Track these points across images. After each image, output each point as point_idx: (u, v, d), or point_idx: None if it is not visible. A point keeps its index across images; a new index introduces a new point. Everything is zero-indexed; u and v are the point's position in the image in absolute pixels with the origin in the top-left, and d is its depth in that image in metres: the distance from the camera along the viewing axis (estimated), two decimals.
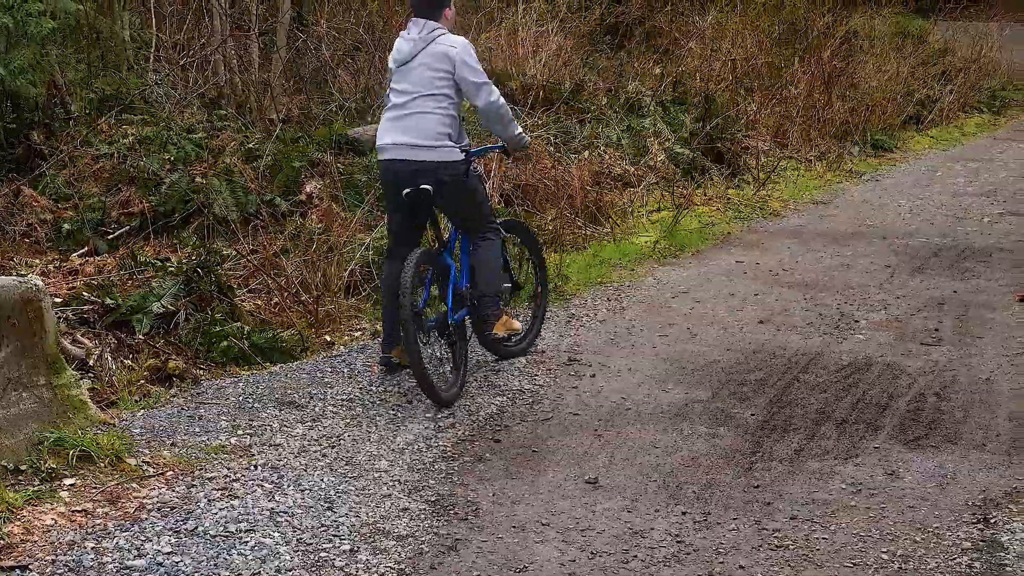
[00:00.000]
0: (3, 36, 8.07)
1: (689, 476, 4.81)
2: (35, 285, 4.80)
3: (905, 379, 6.00)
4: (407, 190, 5.56)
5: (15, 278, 4.84)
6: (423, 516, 4.41)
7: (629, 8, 15.09)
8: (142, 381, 5.67)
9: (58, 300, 6.21)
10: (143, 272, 6.89)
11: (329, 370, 6.04)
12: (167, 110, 9.29)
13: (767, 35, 14.75)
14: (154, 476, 4.64)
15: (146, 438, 5.01)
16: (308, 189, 8.30)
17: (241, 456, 4.89)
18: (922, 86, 16.36)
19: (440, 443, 5.14)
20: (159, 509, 4.35)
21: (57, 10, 8.56)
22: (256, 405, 5.50)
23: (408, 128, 5.61)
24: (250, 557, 4.02)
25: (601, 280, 8.00)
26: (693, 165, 11.10)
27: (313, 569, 3.97)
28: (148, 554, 4.00)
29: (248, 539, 4.15)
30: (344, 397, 5.66)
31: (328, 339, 6.59)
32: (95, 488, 4.48)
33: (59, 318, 5.67)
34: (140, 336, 6.06)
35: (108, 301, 6.23)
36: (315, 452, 4.98)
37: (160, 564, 3.93)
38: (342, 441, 5.11)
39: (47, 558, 3.92)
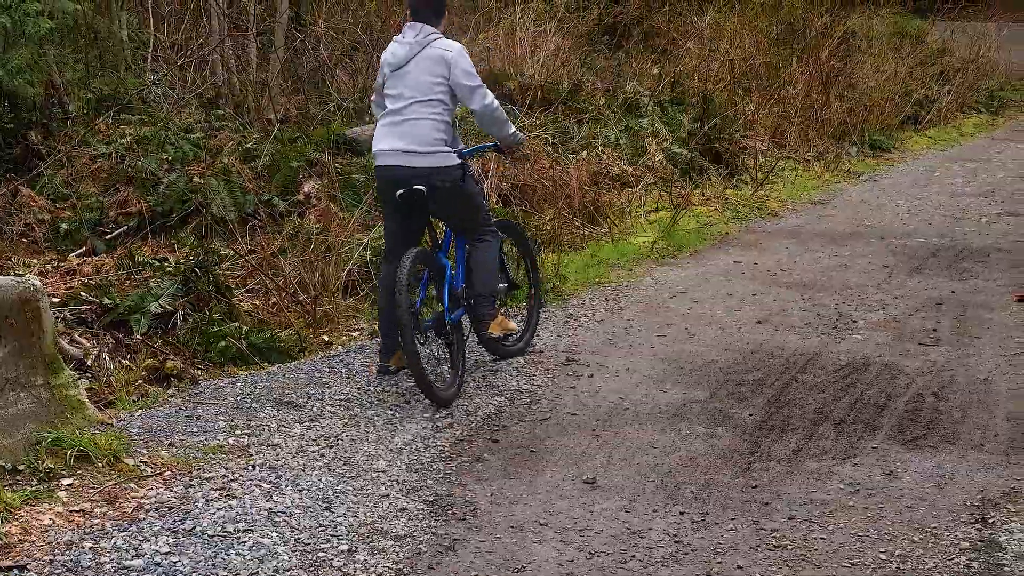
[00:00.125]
0: (1, 36, 8.06)
1: (687, 476, 4.81)
2: (33, 285, 4.80)
3: (903, 379, 6.00)
4: (400, 191, 5.59)
5: (13, 278, 4.83)
6: (421, 516, 4.41)
7: (627, 8, 15.09)
8: (140, 381, 5.67)
9: (56, 300, 6.21)
10: (141, 272, 6.89)
11: (327, 370, 6.04)
12: (165, 110, 9.29)
13: (765, 35, 14.75)
14: (152, 476, 4.64)
15: (144, 438, 5.01)
16: (306, 189, 8.30)
17: (239, 456, 4.89)
18: (920, 86, 16.37)
19: (438, 443, 5.14)
20: (157, 509, 4.35)
21: (55, 10, 8.56)
22: (254, 405, 5.50)
23: (404, 134, 5.64)
24: (248, 557, 4.01)
25: (599, 280, 8.01)
26: (691, 165, 11.10)
27: (311, 569, 3.96)
28: (146, 554, 4.00)
29: (246, 539, 4.14)
30: (342, 397, 5.66)
31: (326, 339, 6.59)
32: (93, 488, 4.48)
33: (57, 318, 5.67)
34: (138, 336, 6.06)
35: (106, 301, 6.23)
36: (313, 452, 4.98)
37: (158, 564, 3.93)
38: (340, 441, 5.11)
39: (45, 558, 3.92)
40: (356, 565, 4.00)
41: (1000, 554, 4.12)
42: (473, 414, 5.51)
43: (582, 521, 4.38)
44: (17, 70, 8.11)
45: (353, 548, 4.12)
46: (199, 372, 5.92)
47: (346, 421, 5.35)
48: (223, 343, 6.10)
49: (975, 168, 13.07)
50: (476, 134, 8.51)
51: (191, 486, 4.57)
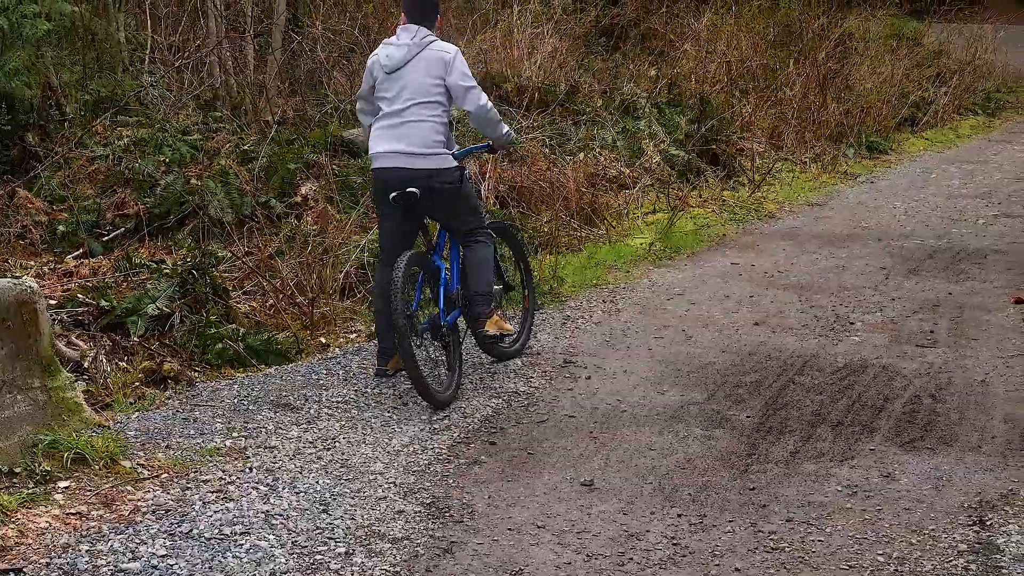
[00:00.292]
0: None
1: (685, 478, 4.81)
2: (30, 287, 4.79)
3: (900, 381, 6.00)
4: (394, 193, 5.59)
5: (10, 280, 4.82)
6: (418, 518, 4.40)
7: (624, 10, 15.09)
8: (137, 383, 5.66)
9: (53, 302, 6.20)
10: (138, 274, 6.88)
11: (324, 372, 6.04)
12: (162, 112, 9.28)
13: (762, 37, 14.76)
14: (149, 479, 4.63)
15: (141, 440, 5.00)
16: (303, 191, 8.30)
17: (236, 458, 4.89)
18: (917, 88, 16.38)
19: (435, 445, 5.14)
20: (154, 512, 4.34)
21: (52, 12, 8.54)
22: (251, 407, 5.50)
23: (403, 136, 5.64)
24: (245, 560, 4.01)
25: (596, 282, 8.01)
26: (688, 167, 11.10)
27: (308, 572, 3.96)
28: (142, 557, 3.99)
29: (243, 542, 4.14)
30: (339, 399, 5.66)
31: (323, 341, 6.58)
32: (90, 491, 4.47)
33: (54, 320, 5.66)
34: (135, 338, 6.05)
35: (103, 303, 6.22)
36: (310, 454, 4.97)
37: (154, 567, 3.92)
38: (337, 443, 5.10)
39: (41, 561, 3.91)
40: (353, 568, 4.00)
41: (998, 556, 4.12)
42: (470, 416, 5.51)
43: (580, 523, 4.38)
44: (14, 72, 8.10)
45: (350, 551, 4.12)
46: (196, 374, 5.92)
47: (343, 423, 5.35)
48: (220, 345, 6.10)
49: (972, 170, 13.08)
50: (472, 136, 8.50)
51: (188, 489, 4.56)
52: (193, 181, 8.06)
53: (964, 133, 16.11)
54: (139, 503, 4.41)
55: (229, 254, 7.33)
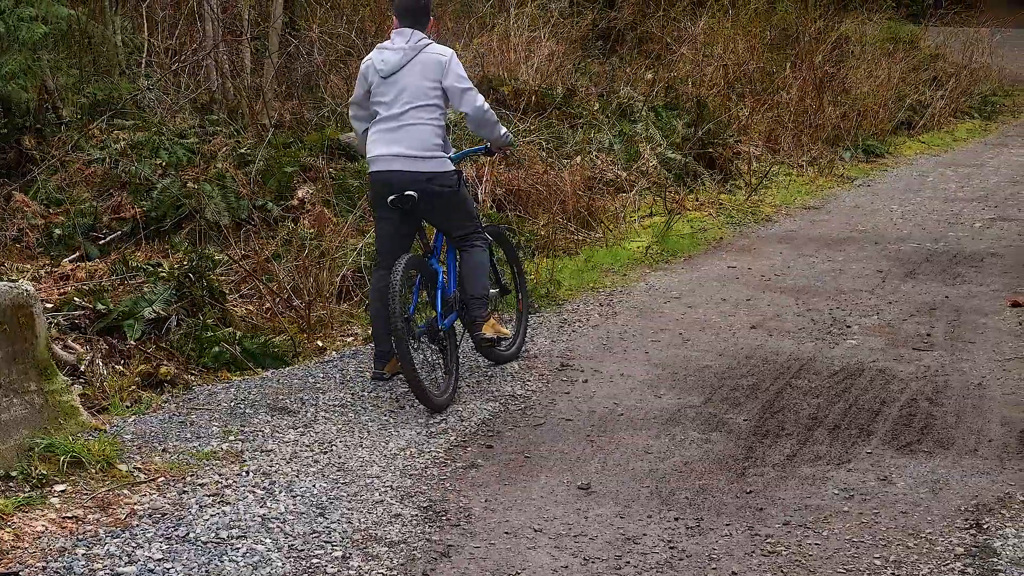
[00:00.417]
0: None
1: (682, 482, 4.81)
2: (26, 290, 4.79)
3: (897, 384, 6.00)
4: (391, 197, 5.59)
5: (6, 283, 4.82)
6: (415, 522, 4.40)
7: (621, 14, 15.11)
8: (133, 387, 5.66)
9: (49, 305, 6.19)
10: (134, 277, 6.88)
11: (321, 375, 6.03)
12: (159, 115, 9.27)
13: (759, 40, 14.77)
14: (145, 482, 4.63)
15: (137, 444, 5.00)
16: (300, 194, 8.29)
17: (233, 462, 4.88)
18: (913, 91, 16.39)
19: (432, 449, 5.14)
20: (150, 515, 4.34)
21: (49, 15, 8.53)
22: (248, 411, 5.49)
23: (401, 139, 5.64)
24: (241, 564, 4.00)
25: (593, 285, 8.01)
26: (685, 170, 11.11)
27: (305, 575, 3.96)
28: (139, 560, 3.98)
29: (240, 545, 4.13)
30: (336, 403, 5.65)
31: (320, 344, 6.58)
32: (86, 494, 4.46)
33: (50, 323, 5.65)
34: (131, 341, 6.05)
35: (99, 306, 6.22)
36: (307, 458, 4.97)
37: (151, 571, 3.92)
38: (334, 447, 5.10)
39: (37, 564, 3.91)
40: (350, 572, 3.99)
41: (994, 560, 4.13)
42: (467, 420, 5.51)
43: (577, 527, 4.38)
44: (11, 75, 8.09)
45: (347, 554, 4.11)
46: (193, 378, 5.91)
47: (340, 427, 5.35)
48: (217, 348, 6.09)
49: (968, 173, 13.09)
50: (468, 140, 8.50)
51: (184, 492, 4.56)
52: (190, 184, 8.05)
53: (960, 136, 16.13)
54: (135, 507, 4.40)
55: (226, 257, 7.32)
